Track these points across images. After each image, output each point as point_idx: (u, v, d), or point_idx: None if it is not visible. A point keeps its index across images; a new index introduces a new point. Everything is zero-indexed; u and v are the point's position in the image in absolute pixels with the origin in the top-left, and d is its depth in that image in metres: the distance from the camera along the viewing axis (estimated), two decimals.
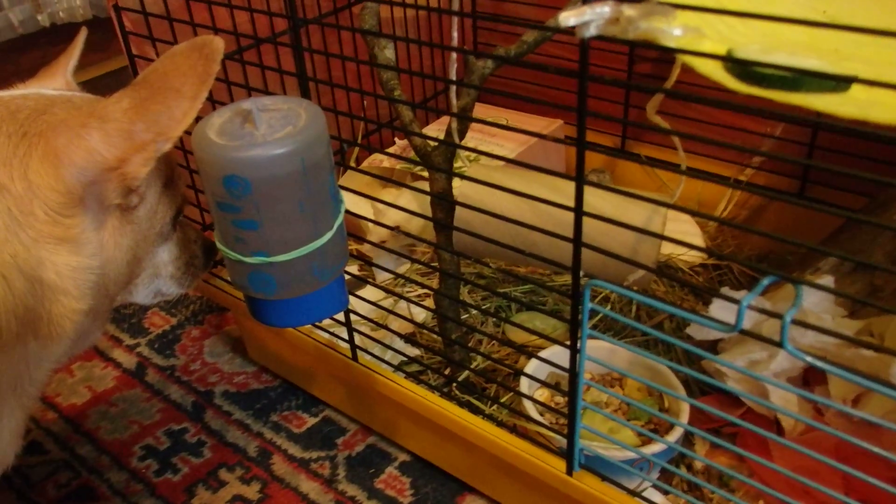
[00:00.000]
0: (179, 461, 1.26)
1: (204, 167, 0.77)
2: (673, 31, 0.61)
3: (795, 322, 0.64)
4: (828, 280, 1.11)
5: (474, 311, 1.32)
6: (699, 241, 1.44)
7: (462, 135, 1.11)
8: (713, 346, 1.15)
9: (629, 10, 0.59)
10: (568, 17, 0.60)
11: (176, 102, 0.70)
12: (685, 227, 1.45)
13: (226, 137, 0.76)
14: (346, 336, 1.14)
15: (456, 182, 1.08)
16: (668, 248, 1.37)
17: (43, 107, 0.73)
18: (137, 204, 0.77)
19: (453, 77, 1.09)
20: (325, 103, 1.45)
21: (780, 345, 0.64)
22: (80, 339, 0.78)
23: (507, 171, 1.08)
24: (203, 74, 0.70)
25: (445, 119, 1.73)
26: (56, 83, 0.88)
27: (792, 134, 1.42)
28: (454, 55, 1.10)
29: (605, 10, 0.59)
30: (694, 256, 1.40)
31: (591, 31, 0.61)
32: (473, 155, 1.48)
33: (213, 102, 1.15)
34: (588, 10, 0.60)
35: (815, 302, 1.09)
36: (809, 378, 1.09)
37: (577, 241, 0.76)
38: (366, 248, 1.49)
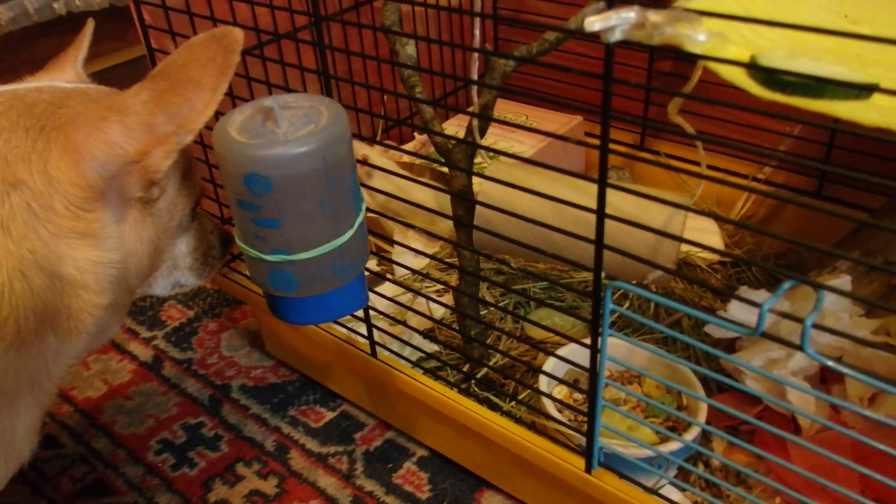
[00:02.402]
0: (196, 455, 1.27)
1: (225, 165, 0.77)
2: (697, 36, 0.61)
3: (816, 326, 0.64)
4: (845, 279, 1.11)
5: (492, 308, 1.32)
6: (717, 238, 1.43)
7: (483, 132, 1.11)
8: (731, 344, 1.15)
9: (655, 16, 0.59)
10: (593, 22, 0.60)
11: (196, 94, 0.69)
12: (703, 225, 1.45)
13: (247, 135, 0.77)
14: (363, 331, 1.14)
15: (477, 178, 1.08)
16: (686, 246, 1.36)
17: (59, 100, 0.73)
18: (158, 197, 0.77)
19: (475, 74, 1.09)
20: (345, 99, 1.45)
21: (800, 348, 0.64)
22: (99, 334, 0.78)
23: (528, 168, 1.08)
24: (223, 66, 0.70)
25: (462, 117, 1.73)
26: (66, 75, 0.88)
27: (810, 133, 1.41)
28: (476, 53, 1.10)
29: (631, 15, 0.59)
30: (712, 254, 1.39)
31: (616, 36, 0.61)
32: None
33: (232, 98, 1.16)
34: (614, 14, 0.60)
35: (832, 301, 1.09)
36: (826, 376, 1.09)
37: (599, 242, 0.76)
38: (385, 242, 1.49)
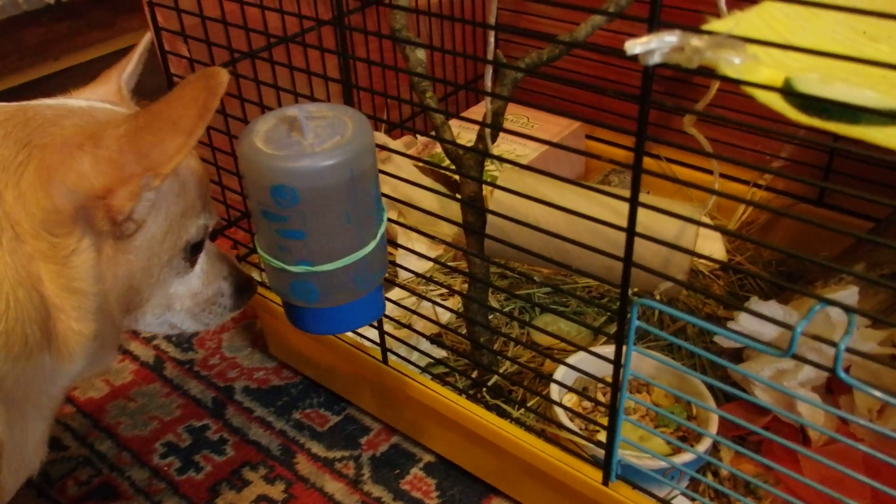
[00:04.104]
0: (202, 459, 1.26)
1: (250, 175, 0.77)
2: (733, 59, 0.62)
3: (853, 352, 0.64)
4: (852, 290, 1.12)
5: (497, 313, 1.33)
6: (719, 244, 1.44)
7: (494, 138, 1.11)
8: (738, 353, 1.15)
9: (696, 41, 0.59)
10: (634, 45, 0.60)
11: (171, 136, 0.66)
12: (704, 230, 1.46)
13: (273, 146, 0.76)
14: (370, 335, 1.15)
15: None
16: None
17: (57, 118, 0.71)
18: (134, 232, 0.73)
19: (488, 83, 1.09)
20: (338, 102, 1.45)
21: (832, 371, 0.65)
22: (91, 363, 0.76)
23: (540, 175, 1.09)
24: (202, 109, 0.66)
25: (471, 111, 1.73)
26: (110, 88, 0.86)
27: (813, 136, 1.42)
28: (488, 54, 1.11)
29: (672, 39, 0.60)
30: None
31: (656, 59, 0.61)
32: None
33: (241, 100, 1.15)
34: (654, 38, 0.60)
35: (840, 311, 1.10)
36: (833, 386, 1.10)
37: (627, 260, 0.76)
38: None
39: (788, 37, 0.80)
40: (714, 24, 0.70)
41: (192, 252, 0.83)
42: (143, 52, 0.90)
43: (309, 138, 0.77)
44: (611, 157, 1.59)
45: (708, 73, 0.62)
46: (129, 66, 0.89)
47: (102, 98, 0.83)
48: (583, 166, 1.69)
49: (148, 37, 0.92)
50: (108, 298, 0.73)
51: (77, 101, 0.78)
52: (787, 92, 0.64)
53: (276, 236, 0.79)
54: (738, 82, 0.63)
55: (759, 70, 0.67)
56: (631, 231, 0.74)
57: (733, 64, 0.62)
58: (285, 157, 0.75)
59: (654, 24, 0.61)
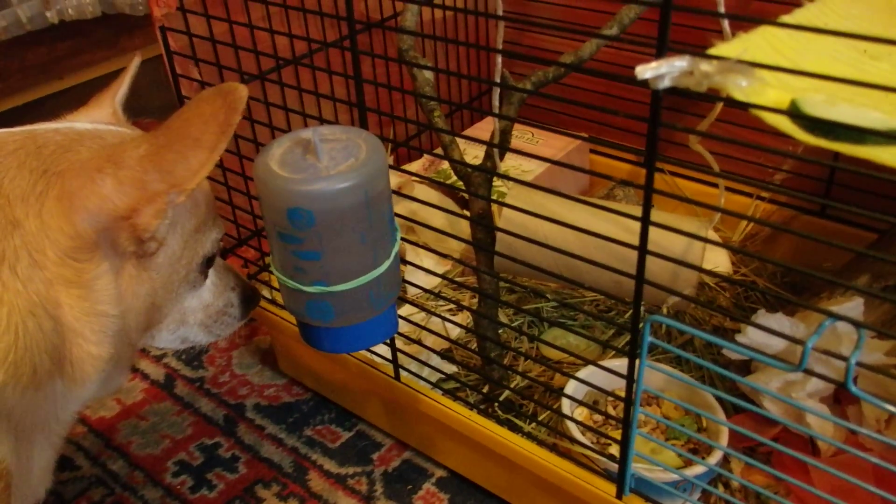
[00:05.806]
0: (215, 477, 1.27)
1: (266, 198, 0.78)
2: (740, 81, 0.63)
3: (860, 365, 0.65)
4: (858, 302, 1.13)
5: (506, 328, 1.34)
6: (724, 255, 1.45)
7: (502, 156, 1.13)
8: (746, 365, 1.16)
9: (706, 66, 0.60)
10: (644, 70, 0.62)
11: (193, 152, 0.67)
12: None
13: (288, 169, 0.78)
14: (381, 351, 1.16)
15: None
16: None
17: (69, 143, 0.72)
18: (156, 250, 0.75)
19: (496, 102, 1.10)
20: (346, 121, 1.46)
21: (843, 385, 0.66)
22: (104, 384, 0.77)
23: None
24: (224, 124, 0.68)
25: (477, 127, 1.75)
26: (104, 111, 0.87)
27: (814, 152, 1.43)
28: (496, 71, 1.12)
29: (682, 64, 0.61)
30: (719, 271, 1.41)
31: (665, 83, 0.62)
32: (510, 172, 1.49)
33: (251, 121, 1.17)
34: (665, 63, 0.61)
35: (846, 323, 1.11)
36: (841, 396, 1.11)
37: (640, 277, 0.77)
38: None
39: (793, 57, 0.81)
40: (722, 48, 0.71)
41: (206, 265, 0.85)
42: (133, 75, 0.92)
43: (324, 161, 0.78)
44: (615, 170, 1.63)
45: (716, 97, 0.64)
46: (122, 90, 0.90)
47: (99, 121, 0.83)
48: (587, 178, 1.70)
49: (137, 60, 0.93)
50: (127, 319, 0.74)
51: (83, 124, 0.79)
52: (794, 115, 0.65)
53: (292, 257, 0.81)
54: (746, 106, 0.65)
55: (766, 92, 0.68)
56: (643, 250, 0.75)
57: (741, 87, 0.63)
58: (301, 180, 0.76)
59: (663, 48, 0.63)
